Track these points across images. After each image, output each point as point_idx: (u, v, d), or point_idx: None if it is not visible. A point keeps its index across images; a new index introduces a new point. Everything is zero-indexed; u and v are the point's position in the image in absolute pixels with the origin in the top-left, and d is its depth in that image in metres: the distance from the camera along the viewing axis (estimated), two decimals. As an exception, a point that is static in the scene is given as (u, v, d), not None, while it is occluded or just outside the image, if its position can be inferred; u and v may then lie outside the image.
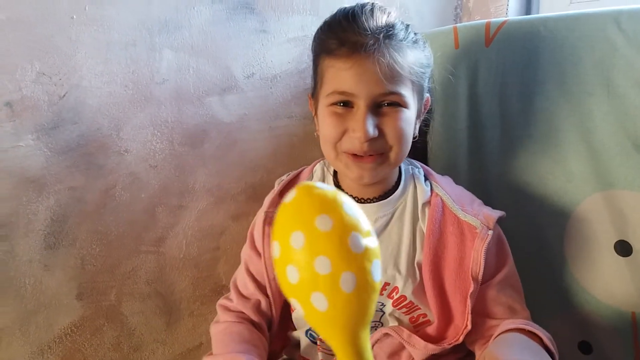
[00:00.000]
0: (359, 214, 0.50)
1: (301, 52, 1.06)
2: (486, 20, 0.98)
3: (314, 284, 0.47)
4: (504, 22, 0.96)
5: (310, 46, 0.84)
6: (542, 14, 0.95)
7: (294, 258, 0.48)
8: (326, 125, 0.80)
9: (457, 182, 0.91)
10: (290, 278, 0.48)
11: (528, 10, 1.26)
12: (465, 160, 1.02)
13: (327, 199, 0.49)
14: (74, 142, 0.87)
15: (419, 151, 1.00)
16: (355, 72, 0.74)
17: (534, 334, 0.72)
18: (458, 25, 1.02)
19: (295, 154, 1.09)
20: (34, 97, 0.83)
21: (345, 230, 0.48)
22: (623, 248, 0.89)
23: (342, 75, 0.76)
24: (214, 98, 0.99)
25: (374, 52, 0.73)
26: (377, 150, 0.78)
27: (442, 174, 0.91)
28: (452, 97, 1.01)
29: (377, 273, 0.49)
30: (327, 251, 0.47)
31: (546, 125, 0.94)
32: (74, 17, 0.84)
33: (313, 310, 0.48)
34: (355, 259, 0.47)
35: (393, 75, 0.75)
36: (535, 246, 0.96)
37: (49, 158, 0.85)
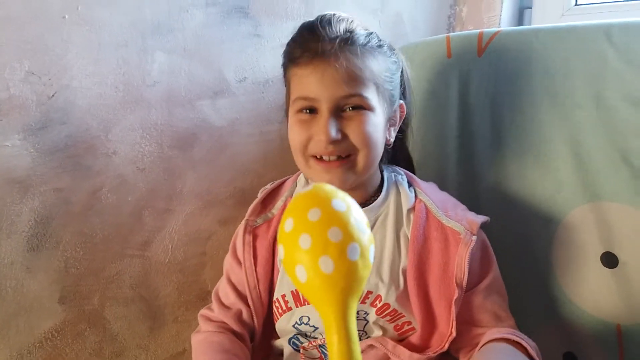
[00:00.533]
0: (361, 214, 0.58)
1: (294, 58, 1.05)
2: (479, 30, 0.99)
3: (325, 248, 0.54)
4: (496, 33, 0.97)
5: (281, 63, 0.86)
6: (534, 25, 0.96)
7: (310, 227, 0.55)
8: (293, 133, 0.82)
9: (447, 190, 0.91)
10: (302, 244, 0.55)
11: (520, 21, 1.27)
12: (455, 169, 1.02)
13: (340, 192, 0.58)
14: (61, 142, 0.86)
15: (402, 158, 0.99)
16: (316, 77, 0.77)
17: (520, 344, 0.73)
18: (451, 34, 1.02)
19: (286, 158, 1.07)
20: (22, 96, 0.81)
21: (355, 214, 0.57)
22: (609, 260, 0.90)
23: (304, 82, 0.78)
24: (206, 101, 0.98)
25: (331, 56, 0.76)
26: (343, 153, 0.79)
27: (428, 181, 0.91)
28: (443, 106, 1.02)
29: (372, 256, 0.57)
30: (341, 224, 0.55)
31: (536, 136, 0.95)
32: (66, 16, 0.83)
33: (319, 272, 0.54)
34: (361, 235, 0.56)
35: (353, 78, 0.76)
36: (522, 256, 0.97)
37: (36, 158, 0.84)
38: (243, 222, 0.88)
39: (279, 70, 1.04)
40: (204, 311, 0.90)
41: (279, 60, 1.04)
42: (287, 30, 1.04)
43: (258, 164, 1.06)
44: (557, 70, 0.92)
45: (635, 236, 0.87)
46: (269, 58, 1.03)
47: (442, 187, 0.92)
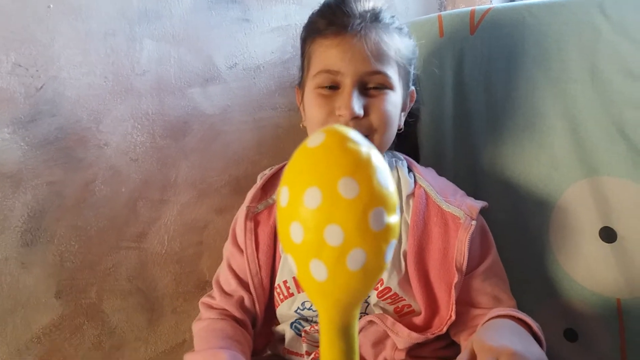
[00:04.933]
0: (389, 184, 0.42)
1: (285, 42, 1.04)
2: (471, 8, 0.98)
3: (318, 251, 0.41)
4: (488, 10, 0.96)
5: (300, 35, 0.86)
6: (526, 1, 0.95)
7: (303, 216, 0.41)
8: (312, 107, 0.80)
9: (443, 170, 0.91)
10: (294, 236, 0.42)
11: (512, -3, 1.26)
12: (451, 149, 1.02)
13: (359, 159, 0.41)
14: (52, 135, 0.85)
15: (408, 144, 0.99)
16: (342, 49, 0.76)
17: (523, 321, 0.72)
18: (443, 13, 1.02)
19: (280, 145, 1.07)
20: (10, 89, 0.80)
21: (370, 202, 0.41)
22: (607, 234, 0.90)
23: (329, 54, 0.78)
24: (196, 89, 0.97)
25: (360, 30, 0.76)
26: (363, 132, 0.77)
27: (427, 165, 0.91)
28: (437, 85, 1.01)
29: (390, 254, 0.43)
30: (343, 221, 0.40)
31: (531, 111, 0.94)
32: (51, 6, 0.81)
33: (309, 276, 0.43)
34: (372, 237, 0.41)
35: (380, 54, 0.77)
36: (521, 233, 0.96)
37: (26, 152, 0.83)
38: (243, 208, 0.87)
39: (270, 56, 1.04)
40: (205, 299, 0.89)
41: (270, 45, 1.04)
42: (276, 15, 1.03)
43: (252, 151, 1.05)
44: (551, 45, 0.91)
45: (634, 210, 0.87)
46: (259, 43, 1.02)
47: (439, 167, 0.92)
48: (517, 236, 0.97)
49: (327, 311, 0.45)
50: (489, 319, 0.74)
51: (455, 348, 0.83)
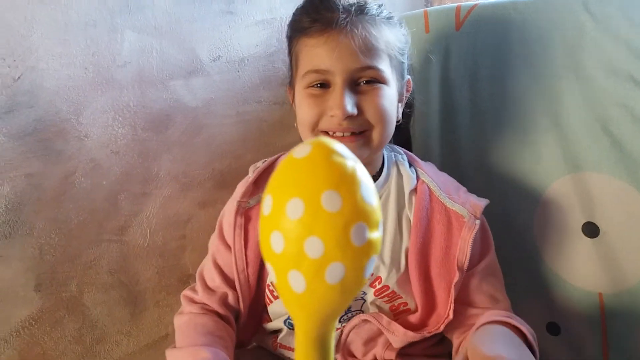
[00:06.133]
0: (373, 199, 0.43)
1: (269, 35, 1.03)
2: (456, 4, 0.98)
3: (298, 263, 0.41)
4: (474, 6, 0.96)
5: (285, 33, 0.83)
6: (512, -3, 0.94)
7: (285, 226, 0.41)
8: (303, 108, 0.78)
9: (429, 166, 0.90)
10: (274, 245, 0.42)
11: (498, -6, 1.25)
12: (437, 144, 1.02)
13: (344, 173, 0.41)
14: (30, 126, 0.83)
15: (402, 136, 0.98)
16: (329, 47, 0.73)
17: (518, 329, 0.72)
18: (428, 9, 1.01)
19: (265, 140, 1.07)
20: (-15, 79, 0.78)
21: (352, 216, 0.41)
22: (590, 230, 0.90)
23: (316, 53, 0.75)
24: (179, 82, 0.96)
25: (346, 25, 0.73)
26: (358, 128, 0.76)
27: (426, 161, 0.90)
28: (423, 81, 1.01)
29: (370, 269, 0.43)
30: (324, 234, 0.40)
31: (516, 108, 0.94)
32: (29, -6, 0.80)
33: (287, 287, 0.43)
34: (352, 251, 0.41)
35: (368, 49, 0.74)
36: (505, 229, 0.97)
37: (3, 144, 0.81)
38: (234, 202, 0.84)
39: (254, 49, 1.03)
40: (187, 292, 0.88)
41: (254, 38, 1.03)
42: (261, 7, 1.02)
43: (236, 145, 1.04)
44: (536, 42, 0.91)
45: (616, 205, 0.87)
46: (244, 36, 1.01)
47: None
48: (501, 231, 0.96)
49: (304, 323, 0.45)
50: (484, 324, 0.74)
51: (445, 345, 0.84)
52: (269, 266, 0.45)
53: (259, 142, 1.06)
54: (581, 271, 0.91)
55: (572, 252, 0.92)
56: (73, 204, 0.89)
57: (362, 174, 0.43)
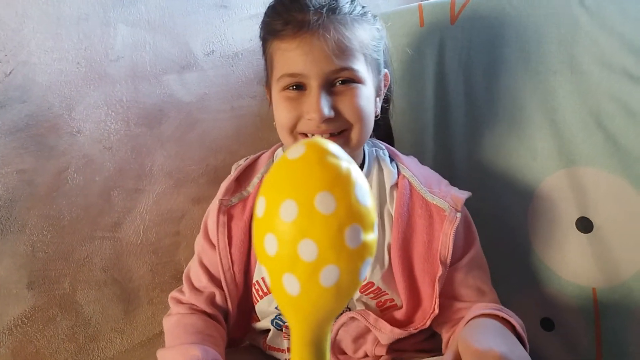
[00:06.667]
0: (368, 200, 0.42)
1: (263, 30, 1.03)
2: (452, -2, 0.98)
3: (292, 265, 0.41)
4: (469, 0, 0.96)
5: (259, 34, 0.82)
6: (506, -9, 0.94)
7: (278, 229, 0.41)
8: (280, 112, 0.77)
9: (423, 161, 0.90)
10: (268, 247, 0.42)
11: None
12: (431, 140, 1.01)
13: (338, 174, 0.41)
14: (22, 122, 0.82)
15: (382, 131, 0.98)
16: (303, 51, 0.73)
17: (507, 321, 0.72)
18: (423, 2, 1.01)
19: (259, 135, 1.06)
20: (-24, 74, 0.77)
21: (346, 218, 0.40)
22: (584, 225, 0.90)
23: (289, 57, 0.74)
24: (172, 76, 0.95)
25: (318, 28, 0.72)
26: (336, 129, 0.76)
27: (408, 154, 0.90)
28: (418, 76, 1.00)
29: (365, 272, 0.43)
30: (318, 237, 0.40)
31: (511, 103, 0.94)
32: (20, -12, 0.79)
33: (281, 289, 0.43)
34: (346, 254, 0.41)
35: (342, 50, 0.73)
36: (499, 223, 0.97)
37: (-5, 139, 0.80)
38: (216, 201, 0.84)
39: (248, 43, 1.02)
40: (174, 293, 0.87)
41: (248, 32, 1.02)
42: (255, 1, 1.01)
43: (230, 141, 1.03)
44: (531, 36, 0.91)
45: (610, 200, 0.88)
46: (237, 30, 1.00)
47: (420, 157, 0.91)
48: (496, 226, 0.97)
49: (299, 326, 0.44)
50: (473, 317, 0.73)
51: (435, 340, 0.83)
52: (263, 269, 0.44)
53: (254, 137, 1.06)
54: (575, 266, 0.92)
55: (566, 247, 0.92)
56: (66, 200, 0.88)
57: (357, 174, 0.42)
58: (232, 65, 1.01)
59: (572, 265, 0.92)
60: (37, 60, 0.82)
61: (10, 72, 0.80)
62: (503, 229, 0.97)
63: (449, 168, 0.99)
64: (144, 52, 0.91)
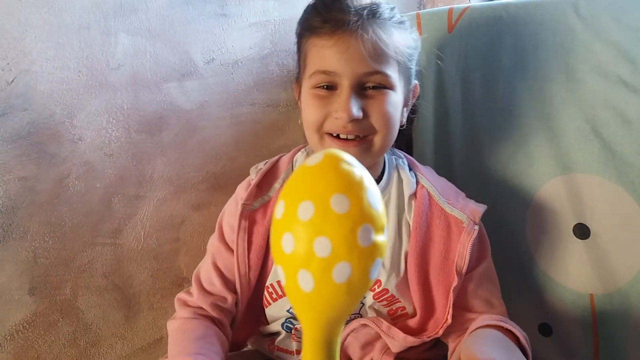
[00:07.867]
0: (379, 205, 0.46)
1: (263, 38, 1.04)
2: (449, 7, 0.98)
3: (307, 262, 0.44)
4: (466, 9, 0.97)
5: (295, 30, 0.83)
6: (503, 0, 0.95)
7: (296, 227, 0.44)
8: (309, 108, 0.78)
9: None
10: (285, 246, 0.45)
11: (490, -4, 1.26)
12: (431, 148, 1.02)
13: (352, 179, 0.45)
14: (24, 129, 0.83)
15: (403, 141, 0.99)
16: (339, 49, 0.73)
17: (511, 332, 0.73)
18: (421, 11, 1.02)
19: (259, 142, 1.07)
20: (-21, 82, 0.78)
21: (359, 218, 0.44)
22: (581, 231, 0.91)
23: (325, 54, 0.75)
24: (173, 84, 0.96)
25: (357, 29, 0.72)
26: (362, 132, 0.76)
27: (425, 165, 0.90)
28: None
29: (375, 272, 0.45)
30: (332, 234, 0.43)
31: (508, 110, 0.95)
32: (22, -3, 0.80)
33: (296, 286, 0.45)
34: (358, 251, 0.44)
35: (378, 54, 0.74)
36: (497, 230, 0.97)
37: (-3, 146, 0.81)
38: (238, 206, 0.83)
39: (248, 51, 1.03)
40: (181, 295, 0.87)
41: (248, 40, 1.03)
42: (255, 10, 1.02)
43: (230, 148, 1.04)
44: (527, 44, 0.92)
45: (606, 207, 0.88)
46: (237, 38, 1.01)
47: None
48: (494, 232, 0.97)
49: (311, 324, 0.47)
50: (478, 328, 0.74)
51: (439, 349, 0.84)
52: (279, 268, 0.47)
53: (253, 144, 1.06)
54: (572, 272, 0.92)
55: (564, 253, 0.92)
56: (67, 207, 0.89)
57: (369, 182, 0.46)
58: (232, 73, 1.02)
59: (569, 271, 0.92)
60: (38, 68, 0.83)
61: (12, 81, 0.81)
62: (501, 235, 0.97)
63: (448, 175, 0.99)
64: (144, 60, 0.92)
